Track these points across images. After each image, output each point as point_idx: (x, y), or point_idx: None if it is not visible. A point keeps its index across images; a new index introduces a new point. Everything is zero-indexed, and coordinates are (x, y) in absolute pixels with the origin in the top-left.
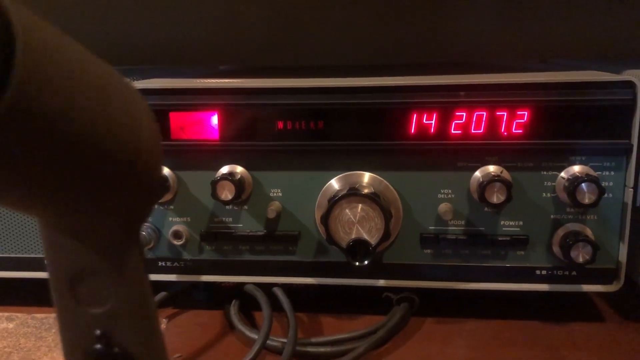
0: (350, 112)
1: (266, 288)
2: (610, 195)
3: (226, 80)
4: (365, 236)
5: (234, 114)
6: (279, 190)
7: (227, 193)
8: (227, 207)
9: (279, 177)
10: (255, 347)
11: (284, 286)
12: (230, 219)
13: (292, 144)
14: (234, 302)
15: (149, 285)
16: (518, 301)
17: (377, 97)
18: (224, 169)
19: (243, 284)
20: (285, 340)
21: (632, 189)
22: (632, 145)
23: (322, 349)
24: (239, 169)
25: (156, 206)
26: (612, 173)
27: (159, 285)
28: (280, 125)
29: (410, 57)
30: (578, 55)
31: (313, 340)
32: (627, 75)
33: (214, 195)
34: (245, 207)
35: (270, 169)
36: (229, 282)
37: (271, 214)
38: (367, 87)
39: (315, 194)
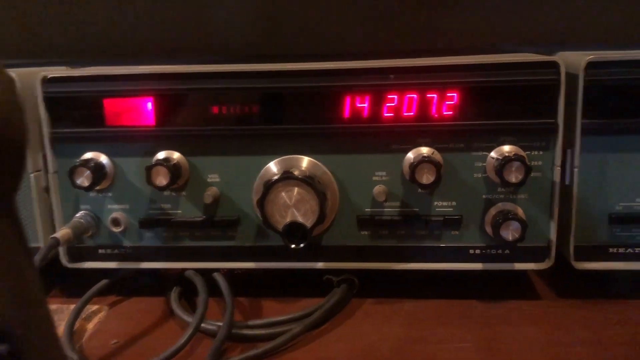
0: (285, 96)
1: (209, 274)
2: (540, 174)
3: (160, 66)
4: (301, 219)
5: (169, 100)
6: (217, 176)
7: (161, 179)
8: (165, 193)
9: (216, 162)
10: (189, 331)
11: (230, 273)
12: (169, 205)
13: (227, 129)
14: (175, 288)
15: (24, 258)
16: (459, 281)
17: (311, 80)
18: (160, 155)
19: (185, 270)
20: (221, 323)
21: (559, 168)
22: (558, 125)
23: (257, 332)
24: (175, 154)
25: (94, 193)
26: (541, 152)
27: (102, 273)
28: (216, 110)
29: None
30: (526, 40)
31: (250, 323)
32: (560, 57)
33: (149, 181)
34: (184, 193)
35: (207, 154)
36: (173, 269)
37: (208, 199)
38: (301, 70)
39: (253, 178)
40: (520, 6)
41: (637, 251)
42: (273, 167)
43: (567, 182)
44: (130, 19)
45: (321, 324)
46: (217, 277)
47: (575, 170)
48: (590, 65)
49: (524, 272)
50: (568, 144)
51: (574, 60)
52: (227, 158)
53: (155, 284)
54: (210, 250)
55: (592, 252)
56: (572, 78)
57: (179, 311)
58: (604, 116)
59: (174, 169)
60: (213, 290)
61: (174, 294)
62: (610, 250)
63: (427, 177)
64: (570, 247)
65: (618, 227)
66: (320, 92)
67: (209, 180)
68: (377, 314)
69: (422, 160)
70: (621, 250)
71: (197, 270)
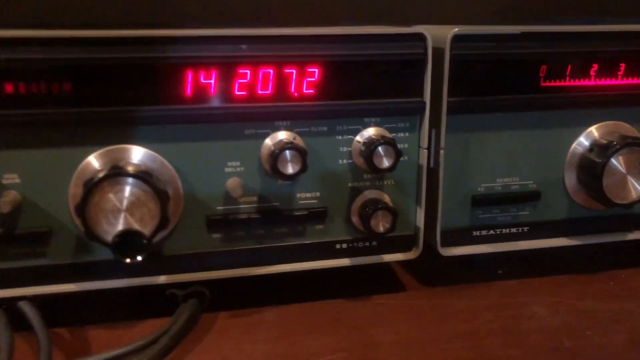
0: (107, 69)
1: (13, 304)
2: (406, 158)
3: None
4: (137, 226)
5: None
6: (16, 176)
7: None
8: None
9: (14, 158)
10: None
11: (39, 298)
12: None
13: (29, 114)
14: None
15: None
16: (319, 280)
17: (142, 50)
18: None
19: None
20: None
21: (426, 150)
22: (425, 103)
23: None
24: None
25: None
26: (407, 134)
27: None
28: (10, 88)
29: None
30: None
31: None
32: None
33: None
34: None
35: (0, 147)
36: None
37: (6, 207)
38: (127, 37)
39: (67, 177)
40: None
41: (498, 232)
42: (94, 161)
43: (431, 165)
44: None
45: (169, 351)
46: (24, 306)
47: (441, 152)
48: (457, 38)
49: (385, 263)
50: (432, 124)
51: (438, 33)
52: (29, 152)
53: None
54: (12, 273)
55: (456, 237)
56: (436, 52)
57: None
58: (468, 94)
59: None
60: (19, 324)
61: None
62: (474, 233)
63: (292, 167)
64: (437, 233)
65: (480, 209)
66: (153, 64)
67: (4, 182)
68: (235, 329)
69: (285, 148)
70: (484, 232)
71: None
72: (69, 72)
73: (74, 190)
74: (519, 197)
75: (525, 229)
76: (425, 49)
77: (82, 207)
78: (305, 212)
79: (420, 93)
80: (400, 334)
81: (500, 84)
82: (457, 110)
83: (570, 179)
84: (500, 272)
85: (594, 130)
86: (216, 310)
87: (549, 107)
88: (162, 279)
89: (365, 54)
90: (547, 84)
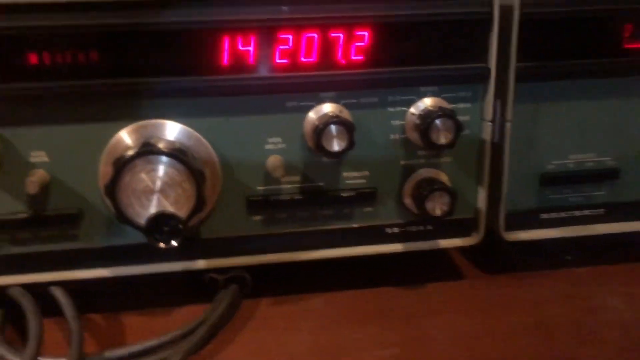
0: (137, 36)
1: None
2: (467, 131)
3: None
4: (171, 208)
5: None
6: (44, 153)
7: None
8: None
9: (41, 134)
10: None
11: (70, 283)
12: None
13: (55, 86)
14: None
15: None
16: (369, 266)
17: (175, 14)
18: None
19: (7, 286)
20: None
21: (490, 123)
22: (490, 70)
23: None
24: None
25: None
26: (468, 105)
27: None
28: (34, 59)
29: None
30: None
31: (108, 354)
32: None
33: None
34: None
35: (26, 123)
36: None
37: (33, 188)
38: (158, 1)
39: (97, 154)
40: None
41: (570, 215)
42: (125, 137)
43: (495, 140)
44: None
45: (208, 342)
46: (56, 292)
47: (508, 124)
48: None
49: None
50: (496, 93)
51: None
52: (56, 128)
53: None
54: (43, 257)
55: (522, 220)
56: (503, 11)
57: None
58: (539, 58)
59: None
60: (53, 309)
61: None
62: (542, 216)
63: (338, 143)
64: (501, 215)
65: (549, 189)
66: (187, 30)
67: (32, 160)
68: (278, 318)
69: (330, 122)
70: (554, 215)
71: (25, 285)
72: (96, 39)
73: (104, 168)
74: (595, 175)
75: (601, 211)
76: (491, 6)
77: (112, 188)
78: (352, 193)
79: (485, 58)
80: (457, 327)
81: (576, 46)
82: (526, 77)
83: None
84: (568, 258)
85: None
86: (259, 297)
87: (631, 73)
88: (198, 264)
89: (422, 14)
90: (631, 45)
